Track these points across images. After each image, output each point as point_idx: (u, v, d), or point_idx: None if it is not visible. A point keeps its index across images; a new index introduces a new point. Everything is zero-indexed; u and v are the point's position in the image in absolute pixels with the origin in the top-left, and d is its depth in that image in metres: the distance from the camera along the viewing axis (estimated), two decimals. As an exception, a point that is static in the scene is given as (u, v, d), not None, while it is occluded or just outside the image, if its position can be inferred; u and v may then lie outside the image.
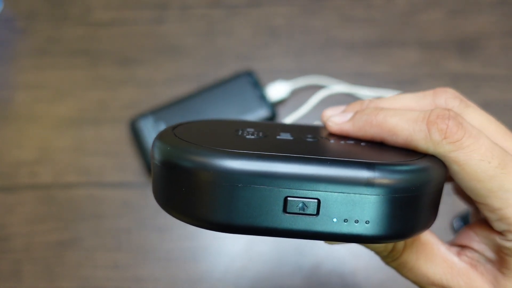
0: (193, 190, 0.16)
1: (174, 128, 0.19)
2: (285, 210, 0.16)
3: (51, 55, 0.50)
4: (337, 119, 0.20)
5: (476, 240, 0.20)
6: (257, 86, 0.45)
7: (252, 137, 0.19)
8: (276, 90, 0.46)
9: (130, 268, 0.40)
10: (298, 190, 0.16)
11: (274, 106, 0.46)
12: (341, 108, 0.22)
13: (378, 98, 0.21)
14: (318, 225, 0.16)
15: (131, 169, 0.44)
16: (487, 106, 0.47)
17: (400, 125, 0.18)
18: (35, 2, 0.54)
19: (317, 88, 0.48)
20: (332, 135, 0.21)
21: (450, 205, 0.35)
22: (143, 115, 0.44)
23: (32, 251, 0.41)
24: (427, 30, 0.51)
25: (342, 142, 0.19)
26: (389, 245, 0.19)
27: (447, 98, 0.20)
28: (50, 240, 0.41)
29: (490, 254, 0.20)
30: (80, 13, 0.53)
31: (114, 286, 0.40)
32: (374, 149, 0.19)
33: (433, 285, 0.20)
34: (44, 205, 0.43)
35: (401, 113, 0.18)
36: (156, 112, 0.44)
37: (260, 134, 0.19)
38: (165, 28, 0.52)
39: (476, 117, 0.20)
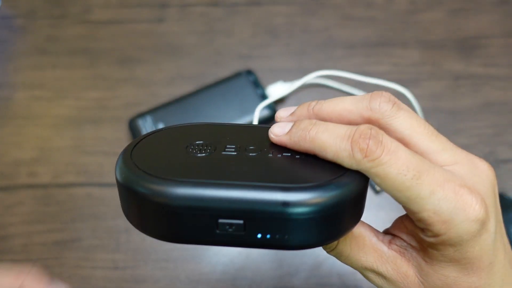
0: (142, 210, 0.19)
1: (134, 146, 0.22)
2: (217, 229, 0.19)
3: (50, 54, 0.50)
4: (277, 131, 0.22)
5: (405, 232, 0.23)
6: (257, 85, 0.45)
7: (200, 154, 0.21)
8: (276, 90, 0.46)
9: (129, 268, 0.40)
10: (226, 214, 0.18)
11: (274, 106, 0.45)
12: (291, 109, 0.24)
13: (324, 100, 0.23)
14: (245, 240, 0.19)
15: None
16: (488, 106, 0.47)
17: (328, 142, 0.20)
18: (34, 0, 0.53)
19: (316, 87, 0.48)
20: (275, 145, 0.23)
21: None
22: (142, 115, 0.44)
23: (31, 251, 0.41)
24: (427, 29, 0.51)
25: (279, 155, 0.21)
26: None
27: (381, 101, 0.22)
28: (49, 240, 0.41)
29: (415, 243, 0.23)
30: (80, 11, 0.53)
31: (114, 286, 0.40)
32: (304, 164, 0.21)
33: (367, 269, 0.23)
34: (43, 205, 0.43)
35: (331, 129, 0.20)
36: (155, 111, 0.44)
37: (208, 149, 0.22)
38: (165, 27, 0.51)
39: (406, 120, 0.22)
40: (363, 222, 0.23)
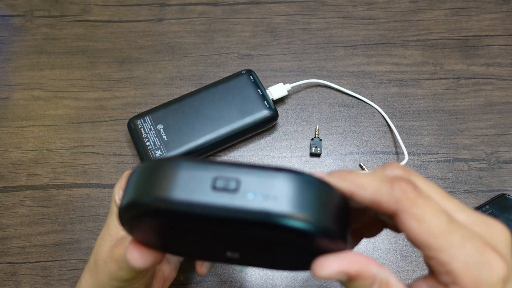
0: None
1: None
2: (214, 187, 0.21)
3: (48, 54, 0.50)
4: (318, 173, 0.24)
5: None
6: (257, 85, 0.45)
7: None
8: (276, 89, 0.46)
9: (128, 270, 0.40)
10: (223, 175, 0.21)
11: (275, 105, 0.45)
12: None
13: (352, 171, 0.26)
14: (236, 200, 0.20)
15: (129, 169, 0.44)
16: (490, 106, 0.46)
17: (369, 182, 0.22)
18: (32, 0, 0.53)
19: (317, 87, 0.48)
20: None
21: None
22: (142, 115, 0.44)
23: (29, 253, 0.41)
24: (429, 28, 0.50)
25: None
26: (357, 283, 0.22)
27: (393, 169, 0.24)
28: (48, 242, 0.41)
29: None
30: (78, 11, 0.52)
31: None
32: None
33: None
34: (42, 207, 0.42)
35: (370, 175, 0.22)
36: (155, 112, 0.44)
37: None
38: (164, 26, 0.51)
39: (419, 183, 0.23)
40: (394, 274, 0.24)
